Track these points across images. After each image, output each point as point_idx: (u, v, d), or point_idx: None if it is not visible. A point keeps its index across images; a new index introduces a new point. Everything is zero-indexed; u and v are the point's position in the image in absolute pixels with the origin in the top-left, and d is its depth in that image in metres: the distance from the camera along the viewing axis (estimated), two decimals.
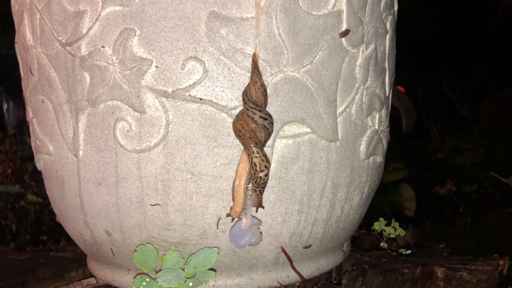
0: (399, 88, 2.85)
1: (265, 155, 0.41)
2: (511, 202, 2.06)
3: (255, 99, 0.41)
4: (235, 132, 0.41)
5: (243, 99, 0.41)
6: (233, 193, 0.42)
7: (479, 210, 2.10)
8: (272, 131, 0.42)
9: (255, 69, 0.41)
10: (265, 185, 0.42)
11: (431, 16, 3.04)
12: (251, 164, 0.41)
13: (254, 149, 0.41)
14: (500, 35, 2.85)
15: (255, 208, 0.43)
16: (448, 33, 3.01)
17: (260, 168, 0.41)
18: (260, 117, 0.41)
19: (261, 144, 0.41)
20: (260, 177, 0.41)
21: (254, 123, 0.40)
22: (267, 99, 0.41)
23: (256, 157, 0.41)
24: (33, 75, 0.47)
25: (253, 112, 0.40)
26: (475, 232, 1.90)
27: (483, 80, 2.93)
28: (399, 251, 0.62)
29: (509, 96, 2.64)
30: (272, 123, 0.41)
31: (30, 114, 0.50)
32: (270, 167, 0.41)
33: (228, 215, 0.43)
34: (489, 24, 2.89)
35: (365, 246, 0.67)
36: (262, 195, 0.43)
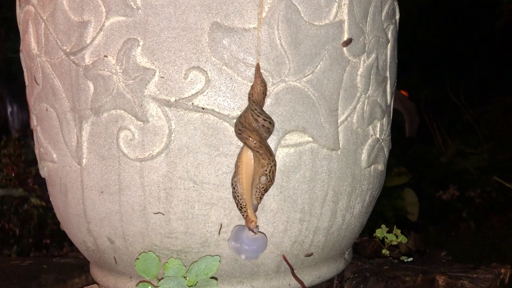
0: (402, 92, 2.85)
1: None
2: None
3: (262, 107, 0.41)
4: (253, 144, 0.41)
5: (256, 109, 0.41)
6: (243, 207, 0.42)
7: (482, 215, 2.09)
8: None
9: (261, 77, 0.41)
10: None
11: (435, 20, 3.04)
12: (269, 173, 0.41)
13: (273, 159, 0.41)
14: (504, 39, 2.85)
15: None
16: (451, 37, 3.01)
17: (273, 176, 0.42)
18: (273, 125, 0.42)
19: None
20: (271, 185, 0.42)
21: (268, 133, 0.41)
22: None
23: (274, 165, 0.41)
24: (37, 84, 0.48)
25: (269, 123, 0.41)
26: (479, 237, 1.89)
27: (487, 84, 2.92)
28: (401, 258, 0.62)
29: None
30: None
31: (34, 122, 0.50)
32: None
33: (250, 228, 0.42)
34: (493, 28, 2.89)
35: (367, 253, 0.67)
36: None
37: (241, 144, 0.42)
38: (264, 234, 0.44)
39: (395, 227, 0.66)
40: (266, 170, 0.41)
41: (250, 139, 0.41)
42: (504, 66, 2.83)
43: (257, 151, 0.41)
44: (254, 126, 0.41)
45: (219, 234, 0.44)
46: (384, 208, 1.89)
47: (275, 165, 0.41)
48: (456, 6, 2.91)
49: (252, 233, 0.43)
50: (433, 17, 3.03)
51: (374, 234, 0.66)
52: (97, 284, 0.54)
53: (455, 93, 2.75)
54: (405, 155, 2.37)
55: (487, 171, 2.25)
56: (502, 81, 2.82)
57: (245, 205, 0.42)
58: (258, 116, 0.41)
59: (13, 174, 1.54)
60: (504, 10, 2.71)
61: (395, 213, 1.88)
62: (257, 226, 0.43)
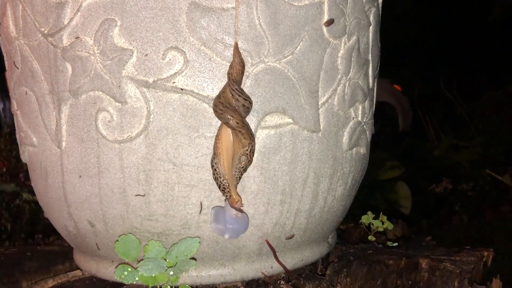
0: (396, 86, 2.85)
1: None
2: (507, 200, 2.07)
3: (241, 87, 0.41)
4: (236, 125, 0.40)
5: (236, 89, 0.40)
6: (226, 188, 0.42)
7: (475, 208, 2.10)
8: None
9: (240, 56, 0.41)
10: None
11: (428, 14, 3.04)
12: (249, 152, 0.41)
13: (253, 138, 0.42)
14: (496, 34, 2.86)
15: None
16: (444, 31, 3.01)
17: (252, 156, 0.42)
18: (251, 106, 0.42)
19: None
20: (249, 165, 0.42)
21: (246, 113, 0.41)
22: None
23: (254, 144, 0.42)
24: (16, 67, 0.47)
25: (249, 102, 0.41)
26: (471, 230, 1.90)
27: (480, 78, 2.93)
28: (386, 243, 0.62)
29: (505, 95, 2.64)
30: None
31: (14, 106, 0.50)
32: None
33: (236, 208, 0.42)
34: (485, 23, 2.89)
35: (353, 239, 0.67)
36: None
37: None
38: (246, 214, 0.43)
39: (381, 213, 0.66)
40: (247, 150, 0.41)
41: (233, 119, 0.40)
42: (497, 60, 2.84)
43: (239, 131, 0.41)
44: (233, 105, 0.40)
45: (199, 213, 0.44)
46: (377, 202, 1.89)
47: (254, 144, 0.41)
48: (449, 1, 2.91)
49: (235, 212, 0.43)
50: (426, 12, 3.04)
51: (360, 221, 0.66)
52: (80, 270, 0.53)
53: (448, 87, 2.76)
54: (399, 149, 2.38)
55: (479, 164, 2.26)
56: (494, 76, 2.83)
57: (228, 186, 0.42)
58: (239, 95, 0.41)
59: (5, 169, 1.54)
60: (495, 4, 2.72)
61: (388, 206, 1.88)
62: (242, 205, 0.43)
